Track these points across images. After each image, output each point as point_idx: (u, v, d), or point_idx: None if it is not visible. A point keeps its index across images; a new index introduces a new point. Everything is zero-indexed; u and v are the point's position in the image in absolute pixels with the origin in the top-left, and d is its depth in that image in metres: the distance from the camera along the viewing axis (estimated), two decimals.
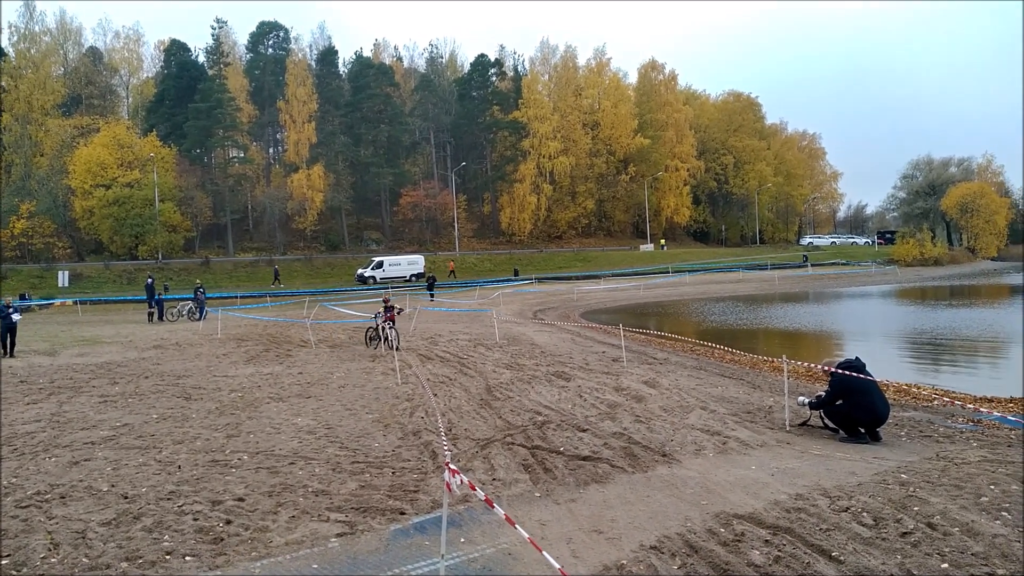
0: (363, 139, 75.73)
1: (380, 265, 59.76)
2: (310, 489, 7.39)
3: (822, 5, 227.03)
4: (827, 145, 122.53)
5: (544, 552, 4.02)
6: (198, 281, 40.06)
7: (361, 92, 76.14)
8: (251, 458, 8.66)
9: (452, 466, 4.24)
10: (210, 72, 72.40)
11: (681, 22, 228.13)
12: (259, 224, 74.08)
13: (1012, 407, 11.69)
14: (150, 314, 33.43)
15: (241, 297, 46.78)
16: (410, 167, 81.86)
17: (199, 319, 31.79)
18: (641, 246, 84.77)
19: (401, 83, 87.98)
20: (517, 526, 4.26)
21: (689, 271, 65.38)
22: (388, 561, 5.60)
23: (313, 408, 11.79)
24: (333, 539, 6.07)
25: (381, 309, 20.17)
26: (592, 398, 12.12)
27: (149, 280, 35.45)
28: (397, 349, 18.62)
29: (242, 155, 73.86)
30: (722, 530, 5.91)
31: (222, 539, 6.07)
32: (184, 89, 71.40)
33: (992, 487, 6.53)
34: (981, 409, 11.19)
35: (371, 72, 77.54)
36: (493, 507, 4.19)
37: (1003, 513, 5.88)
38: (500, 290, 49.02)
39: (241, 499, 7.07)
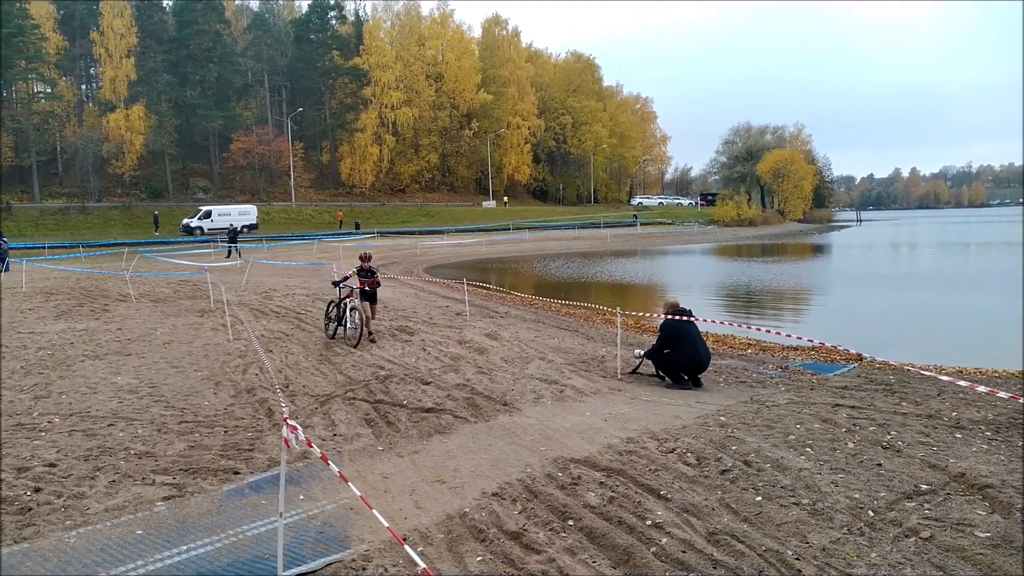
0: (190, 79, 70.03)
1: (208, 215, 56.19)
2: (132, 451, 6.90)
3: None
4: (657, 109, 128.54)
5: (374, 510, 3.99)
6: None
7: (187, 28, 70.17)
8: (63, 420, 7.95)
9: (291, 422, 4.06)
10: None
11: None
12: (70, 168, 66.98)
13: (814, 355, 12.95)
14: None
15: (50, 247, 42.41)
16: (242, 111, 76.71)
17: (1, 271, 28.54)
18: (484, 202, 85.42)
19: (232, 21, 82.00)
20: (350, 483, 4.20)
21: (529, 228, 66.72)
22: (221, 523, 5.35)
23: (135, 366, 10.97)
24: (159, 503, 5.72)
25: (351, 272, 13.53)
26: (436, 351, 12.14)
27: None
28: (372, 339, 13.01)
29: (49, 90, 66.02)
30: (560, 474, 6.13)
31: (30, 508, 5.55)
32: None
33: (798, 426, 7.21)
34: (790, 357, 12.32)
35: (198, 6, 71.46)
36: (328, 464, 4.09)
37: (807, 449, 6.51)
38: (341, 244, 47.72)
39: (52, 465, 6.50)
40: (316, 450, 4.12)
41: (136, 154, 64.14)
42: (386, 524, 3.83)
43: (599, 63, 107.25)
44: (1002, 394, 6.53)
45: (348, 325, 12.78)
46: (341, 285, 13.14)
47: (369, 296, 13.38)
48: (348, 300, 12.88)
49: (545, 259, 44.75)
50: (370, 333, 13.18)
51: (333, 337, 13.25)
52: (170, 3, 77.79)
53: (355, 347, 12.24)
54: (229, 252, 36.78)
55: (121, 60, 65.78)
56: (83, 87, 79.66)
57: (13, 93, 64.68)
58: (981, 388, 6.92)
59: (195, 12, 70.41)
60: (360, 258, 13.57)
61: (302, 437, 3.97)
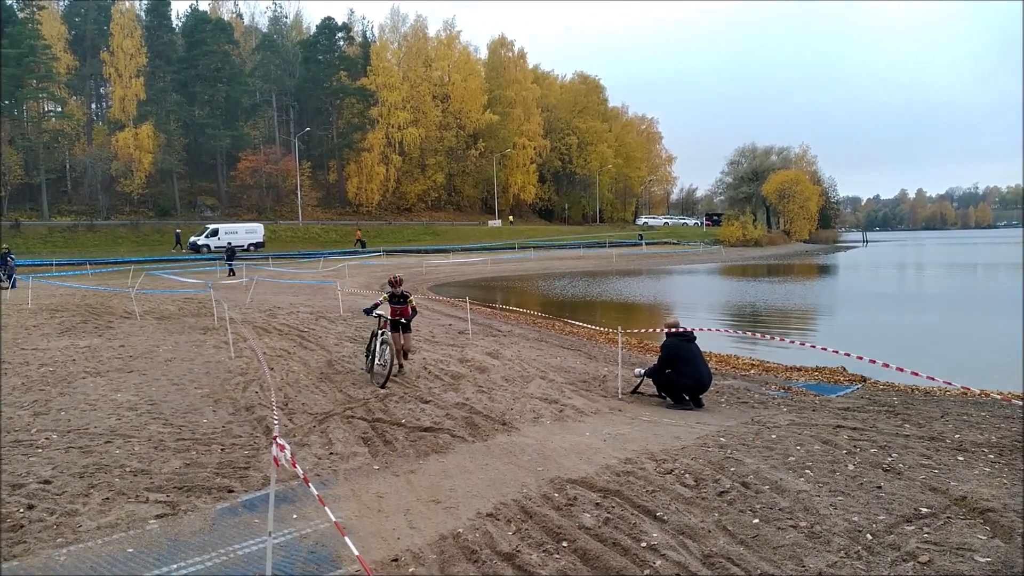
0: (198, 98, 70.73)
1: (215, 233, 56.43)
2: (128, 469, 6.86)
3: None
4: (663, 129, 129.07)
5: (346, 537, 3.95)
6: (6, 246, 36.23)
7: (196, 48, 70.96)
8: (61, 437, 7.93)
9: (280, 440, 4.04)
10: (20, 15, 64.83)
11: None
12: (79, 186, 67.53)
13: (818, 375, 12.86)
14: None
15: (57, 264, 42.73)
16: (250, 130, 77.29)
17: (8, 287, 28.73)
18: (489, 222, 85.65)
19: (241, 41, 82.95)
20: (327, 507, 4.17)
21: (534, 248, 66.85)
22: (213, 542, 5.31)
23: (135, 383, 10.97)
24: (152, 521, 5.67)
25: (381, 298, 11.84)
26: (436, 370, 12.10)
27: None
28: (400, 369, 11.71)
29: (59, 109, 66.82)
30: (556, 495, 6.07)
31: (22, 526, 5.52)
32: None
33: (798, 448, 7.14)
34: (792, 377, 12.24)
35: (208, 27, 72.37)
36: (309, 486, 4.08)
37: (806, 471, 6.43)
38: (346, 262, 47.87)
39: (47, 482, 6.46)
40: (299, 471, 4.09)
41: (145, 172, 64.65)
42: (356, 553, 3.78)
43: (604, 83, 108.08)
44: (994, 395, 6.48)
45: (377, 360, 11.23)
46: (375, 314, 11.47)
47: (402, 326, 11.68)
48: (380, 332, 11.30)
49: (550, 278, 44.73)
50: (400, 367, 11.72)
51: (370, 372, 11.58)
52: (179, 24, 78.77)
53: (382, 386, 10.60)
54: (231, 271, 37.08)
55: (131, 80, 66.50)
56: (93, 106, 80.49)
57: (23, 112, 65.40)
58: (974, 389, 6.83)
59: (204, 33, 71.28)
60: (390, 283, 11.80)
61: (288, 456, 3.94)
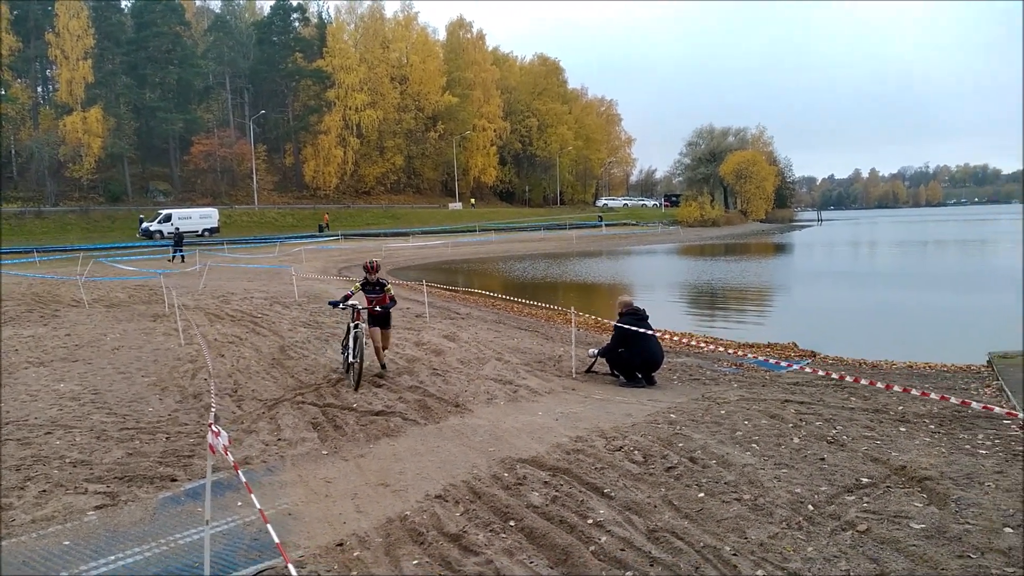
0: (149, 81, 68.81)
1: (168, 218, 55.12)
2: (67, 460, 6.68)
3: None
4: (622, 111, 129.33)
5: (269, 524, 3.87)
6: None
7: (146, 29, 68.90)
8: None
9: (215, 427, 3.95)
10: None
11: None
12: (25, 171, 65.43)
13: (769, 351, 13.06)
14: None
15: (3, 252, 41.38)
16: (203, 113, 75.52)
17: None
18: (450, 204, 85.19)
19: (193, 23, 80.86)
20: (253, 495, 4.06)
21: (495, 230, 66.72)
22: (153, 532, 5.19)
23: (80, 372, 10.69)
24: (90, 512, 5.53)
25: (353, 290, 10.52)
26: (392, 354, 11.98)
27: None
28: (383, 368, 10.57)
29: (3, 92, 64.45)
30: (506, 475, 6.06)
31: None
32: None
33: (746, 423, 7.23)
34: (741, 353, 12.41)
35: (157, 8, 70.17)
36: (238, 473, 4.00)
37: (753, 445, 6.52)
38: (303, 246, 47.26)
39: None
40: (230, 458, 4.01)
41: (94, 157, 62.78)
42: (276, 540, 3.69)
43: (563, 65, 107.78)
44: (914, 392, 6.67)
45: (350, 359, 9.69)
46: (343, 306, 10.16)
47: (379, 319, 10.42)
48: (355, 326, 9.79)
49: (510, 260, 44.72)
50: (383, 366, 10.58)
51: (348, 371, 9.91)
52: (128, 4, 76.33)
53: (356, 389, 9.39)
54: (173, 257, 36.44)
55: (78, 62, 64.31)
56: (39, 89, 77.64)
57: None
58: (896, 388, 6.98)
59: (154, 14, 69.21)
60: (365, 269, 10.44)
61: (223, 443, 3.86)
